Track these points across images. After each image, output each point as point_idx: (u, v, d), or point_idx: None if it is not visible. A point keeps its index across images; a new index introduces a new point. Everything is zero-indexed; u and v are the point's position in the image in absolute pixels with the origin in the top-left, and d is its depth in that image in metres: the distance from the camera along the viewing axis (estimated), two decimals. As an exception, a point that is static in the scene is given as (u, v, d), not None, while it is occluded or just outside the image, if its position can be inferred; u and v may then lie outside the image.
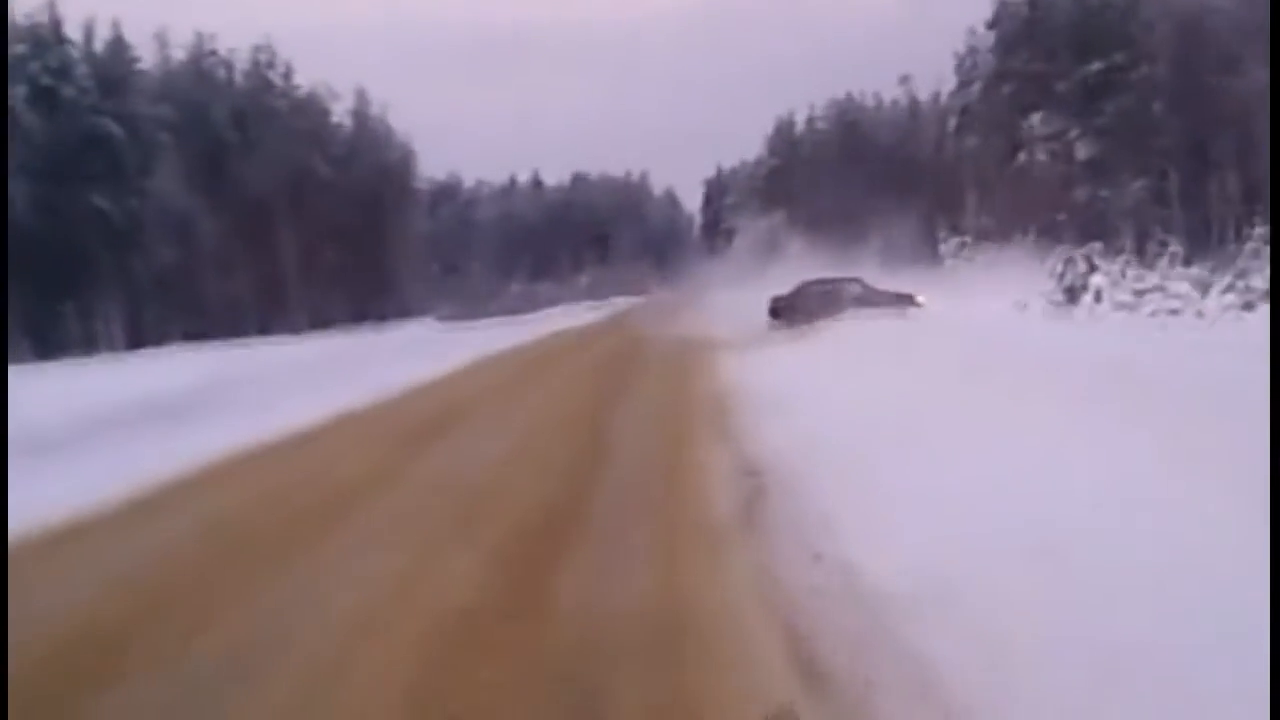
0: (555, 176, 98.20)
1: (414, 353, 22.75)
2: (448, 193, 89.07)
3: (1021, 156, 38.96)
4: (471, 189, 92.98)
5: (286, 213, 49.80)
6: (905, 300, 22.63)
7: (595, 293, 67.90)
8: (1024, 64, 41.45)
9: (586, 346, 25.04)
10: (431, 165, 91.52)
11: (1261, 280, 16.66)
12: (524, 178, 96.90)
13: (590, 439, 9.88)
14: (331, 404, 12.61)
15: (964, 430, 6.94)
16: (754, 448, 8.32)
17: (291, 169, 49.14)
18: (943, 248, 32.83)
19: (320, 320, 54.59)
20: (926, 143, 54.75)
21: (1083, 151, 36.35)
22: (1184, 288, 18.44)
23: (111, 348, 33.46)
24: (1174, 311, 17.08)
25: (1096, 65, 37.25)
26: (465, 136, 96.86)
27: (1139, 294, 18.89)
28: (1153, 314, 17.42)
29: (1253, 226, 21.76)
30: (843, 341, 15.89)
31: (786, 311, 23.51)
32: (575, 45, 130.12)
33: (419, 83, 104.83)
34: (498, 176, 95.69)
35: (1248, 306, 15.99)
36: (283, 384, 15.77)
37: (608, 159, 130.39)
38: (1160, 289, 18.76)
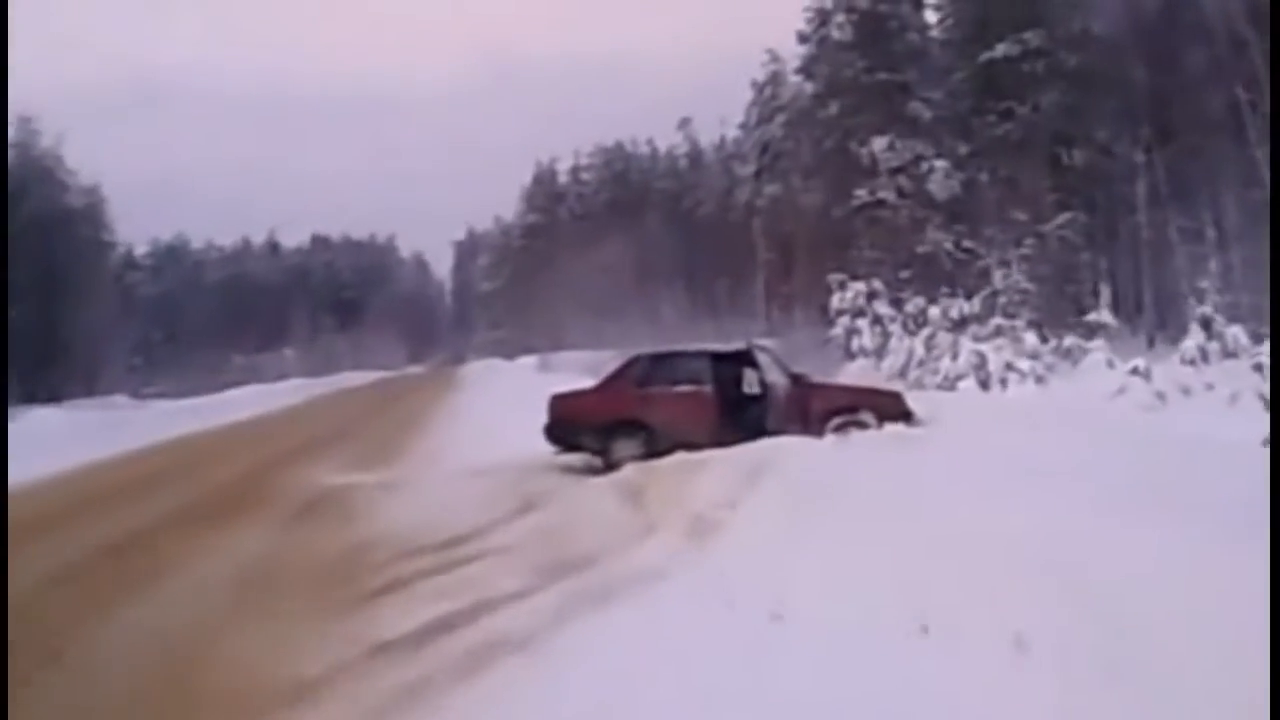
0: (294, 238, 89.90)
1: None
2: (173, 254, 79.41)
3: (863, 194, 29.08)
4: (200, 250, 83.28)
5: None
6: (882, 403, 10.50)
7: (320, 368, 60.03)
8: (861, 74, 30.38)
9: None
10: (154, 224, 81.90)
11: None
12: (259, 239, 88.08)
13: None
14: None
15: None
16: None
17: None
18: (837, 300, 21.18)
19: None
20: (712, 191, 50.29)
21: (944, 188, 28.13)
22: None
23: None
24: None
25: (1002, 49, 28.17)
26: (194, 194, 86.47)
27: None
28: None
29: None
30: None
31: (590, 432, 10.52)
32: (316, 100, 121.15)
33: (141, 132, 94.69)
34: (229, 238, 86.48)
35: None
36: None
37: (350, 220, 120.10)
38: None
